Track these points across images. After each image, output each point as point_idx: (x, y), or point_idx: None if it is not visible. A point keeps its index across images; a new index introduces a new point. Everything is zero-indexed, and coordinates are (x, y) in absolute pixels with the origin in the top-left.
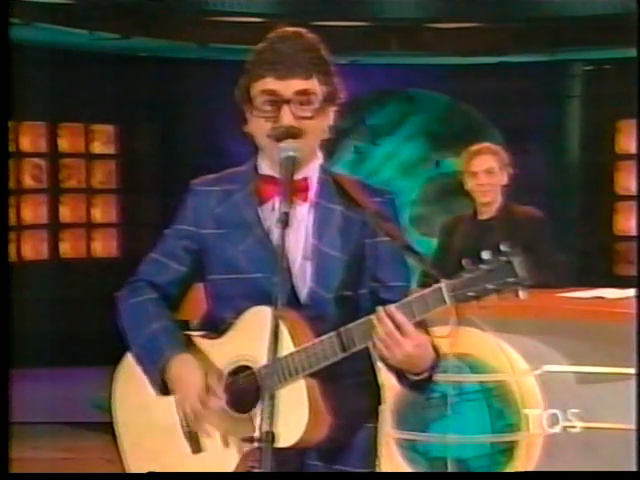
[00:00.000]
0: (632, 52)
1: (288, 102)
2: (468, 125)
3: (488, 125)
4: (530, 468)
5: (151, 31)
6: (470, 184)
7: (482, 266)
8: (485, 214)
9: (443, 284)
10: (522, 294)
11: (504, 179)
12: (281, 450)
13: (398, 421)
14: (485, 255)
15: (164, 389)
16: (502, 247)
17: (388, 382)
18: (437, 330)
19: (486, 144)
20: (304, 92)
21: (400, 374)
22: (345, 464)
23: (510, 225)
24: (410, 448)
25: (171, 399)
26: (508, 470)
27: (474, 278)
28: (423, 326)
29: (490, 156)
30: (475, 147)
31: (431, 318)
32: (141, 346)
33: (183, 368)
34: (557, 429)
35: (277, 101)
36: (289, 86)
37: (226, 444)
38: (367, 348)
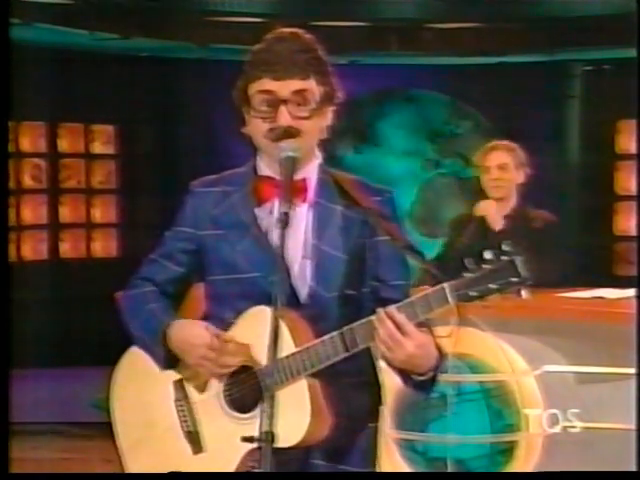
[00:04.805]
0: (632, 52)
1: (285, 102)
2: (468, 125)
3: (488, 125)
4: (530, 468)
5: (151, 31)
6: (484, 179)
7: (485, 266)
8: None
9: (446, 284)
10: (524, 293)
11: (520, 177)
12: (283, 450)
13: (397, 421)
14: (487, 255)
15: (171, 361)
16: (504, 246)
17: (388, 382)
18: (438, 330)
19: (504, 141)
20: (301, 92)
21: (404, 374)
22: (346, 464)
23: (521, 226)
24: (409, 448)
25: (171, 400)
26: (508, 470)
27: (477, 278)
28: (426, 326)
29: (505, 152)
30: (491, 143)
31: (432, 318)
32: (141, 326)
33: (185, 327)
34: (557, 429)
35: (274, 101)
36: (286, 86)
37: (226, 444)
38: (368, 347)
